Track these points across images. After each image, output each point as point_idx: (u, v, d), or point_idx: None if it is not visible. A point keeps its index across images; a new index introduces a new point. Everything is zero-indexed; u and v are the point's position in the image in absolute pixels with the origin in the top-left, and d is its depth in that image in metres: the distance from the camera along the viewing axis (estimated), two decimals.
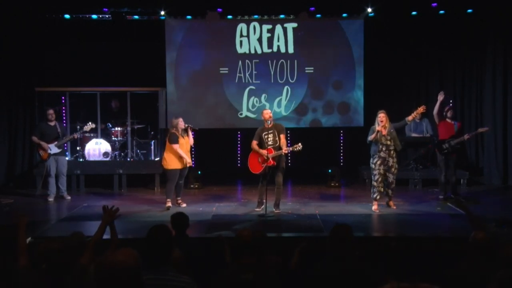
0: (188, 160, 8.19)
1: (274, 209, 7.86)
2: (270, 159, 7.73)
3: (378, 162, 7.83)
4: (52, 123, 9.15)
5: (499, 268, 3.46)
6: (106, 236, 4.15)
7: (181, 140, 8.17)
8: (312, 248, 4.50)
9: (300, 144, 7.75)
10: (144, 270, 2.50)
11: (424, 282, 3.07)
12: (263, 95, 10.95)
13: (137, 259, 2.41)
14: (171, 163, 8.14)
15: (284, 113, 10.92)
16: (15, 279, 3.41)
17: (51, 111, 9.20)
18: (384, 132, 7.79)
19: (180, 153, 8.10)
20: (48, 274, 3.46)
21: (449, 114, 8.80)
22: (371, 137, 7.84)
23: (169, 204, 8.20)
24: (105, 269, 2.36)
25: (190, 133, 8.39)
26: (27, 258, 3.53)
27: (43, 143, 8.99)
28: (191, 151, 8.69)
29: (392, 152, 7.84)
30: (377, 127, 7.78)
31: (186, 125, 8.30)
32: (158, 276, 3.04)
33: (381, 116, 7.83)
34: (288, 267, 4.27)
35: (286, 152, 7.79)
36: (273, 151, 7.75)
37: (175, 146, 8.10)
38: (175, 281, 3.06)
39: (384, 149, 7.82)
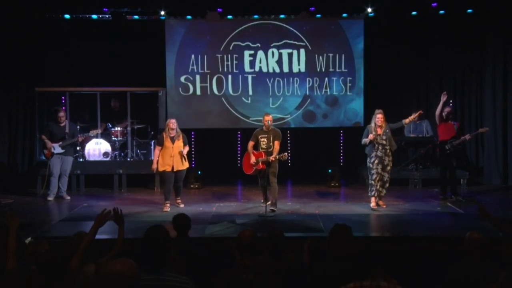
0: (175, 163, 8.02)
1: (270, 207, 7.87)
2: (260, 163, 7.86)
3: (376, 162, 7.88)
4: (62, 124, 9.19)
5: (498, 268, 3.46)
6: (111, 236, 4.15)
7: (167, 143, 8.02)
8: (318, 244, 4.52)
9: (285, 154, 7.95)
10: (143, 272, 2.53)
11: (385, 280, 3.08)
12: (264, 95, 10.95)
13: (135, 270, 2.47)
14: (160, 165, 8.11)
15: (284, 113, 10.92)
16: (1, 281, 3.41)
17: (61, 114, 9.22)
18: (380, 131, 7.83)
19: (155, 155, 8.07)
20: (38, 276, 3.45)
21: (449, 115, 8.78)
22: (365, 140, 7.89)
23: (166, 208, 8.11)
24: (103, 278, 2.42)
25: (183, 146, 8.07)
26: (15, 260, 3.50)
27: (48, 142, 9.05)
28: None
29: (388, 151, 7.92)
30: (370, 136, 7.80)
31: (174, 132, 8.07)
32: (156, 277, 3.03)
33: (379, 116, 7.89)
34: (303, 265, 4.28)
35: (273, 159, 7.80)
36: (264, 155, 7.83)
37: (157, 148, 8.15)
38: (173, 281, 3.06)
39: (380, 148, 7.87)
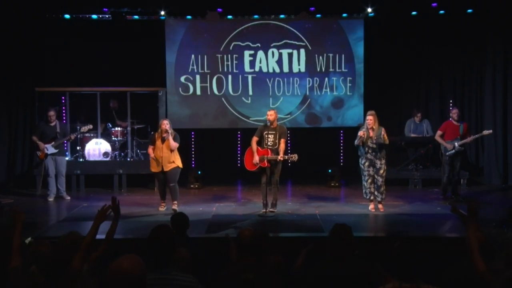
0: (163, 163, 7.84)
1: (270, 209, 7.80)
2: (265, 160, 7.60)
3: (367, 164, 7.79)
4: (52, 123, 9.16)
5: (498, 268, 3.46)
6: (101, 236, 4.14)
7: (158, 143, 7.89)
8: (319, 250, 4.48)
9: (296, 155, 7.60)
10: (148, 271, 2.50)
11: (425, 283, 3.06)
12: (264, 95, 10.95)
13: (142, 266, 2.41)
14: (151, 166, 8.06)
15: (284, 113, 10.91)
16: (4, 280, 3.39)
17: (51, 113, 9.15)
18: (371, 134, 7.72)
19: (150, 154, 7.92)
20: (39, 276, 3.44)
21: (455, 117, 8.77)
22: (357, 142, 7.82)
23: (161, 207, 8.08)
24: (110, 276, 2.36)
25: (170, 137, 7.83)
26: (19, 258, 3.46)
27: (40, 143, 9.01)
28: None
29: (379, 154, 7.75)
30: (360, 132, 7.73)
31: (167, 130, 7.85)
32: (162, 276, 3.05)
33: (369, 118, 7.75)
34: (293, 268, 4.25)
35: (282, 159, 7.58)
36: (270, 152, 7.62)
37: (150, 148, 8.00)
38: (179, 280, 3.07)
39: (370, 151, 7.75)
